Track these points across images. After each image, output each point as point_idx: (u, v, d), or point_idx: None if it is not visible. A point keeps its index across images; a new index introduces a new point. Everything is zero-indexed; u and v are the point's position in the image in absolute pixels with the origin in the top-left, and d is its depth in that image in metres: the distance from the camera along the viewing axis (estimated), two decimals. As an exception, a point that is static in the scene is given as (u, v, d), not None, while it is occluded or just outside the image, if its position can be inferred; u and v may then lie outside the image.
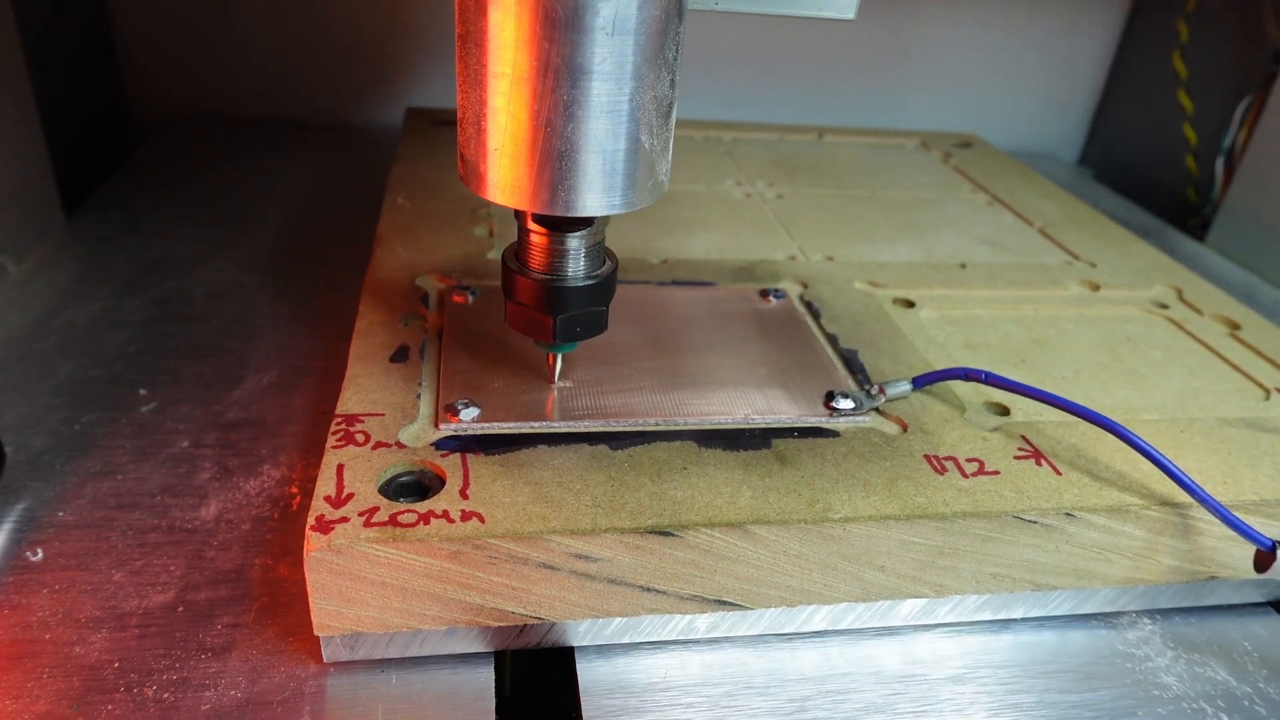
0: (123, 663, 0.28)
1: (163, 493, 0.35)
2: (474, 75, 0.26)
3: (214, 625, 0.29)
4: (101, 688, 0.27)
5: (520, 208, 0.27)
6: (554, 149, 0.26)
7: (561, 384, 0.34)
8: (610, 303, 0.32)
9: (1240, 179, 0.67)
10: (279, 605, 0.30)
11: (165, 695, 0.27)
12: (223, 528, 0.33)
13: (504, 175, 0.27)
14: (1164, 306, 0.46)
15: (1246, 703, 0.31)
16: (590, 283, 0.30)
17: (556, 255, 0.30)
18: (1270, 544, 0.30)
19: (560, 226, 0.30)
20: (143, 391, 0.40)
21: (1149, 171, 0.79)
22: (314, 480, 0.33)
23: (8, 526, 0.33)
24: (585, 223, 0.30)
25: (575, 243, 0.30)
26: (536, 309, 0.31)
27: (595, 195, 0.27)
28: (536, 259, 0.30)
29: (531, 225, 0.30)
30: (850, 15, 0.32)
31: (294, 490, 0.35)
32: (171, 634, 0.29)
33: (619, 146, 0.26)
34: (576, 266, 0.30)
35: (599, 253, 0.31)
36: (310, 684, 0.28)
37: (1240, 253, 0.66)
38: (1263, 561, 0.31)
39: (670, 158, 0.29)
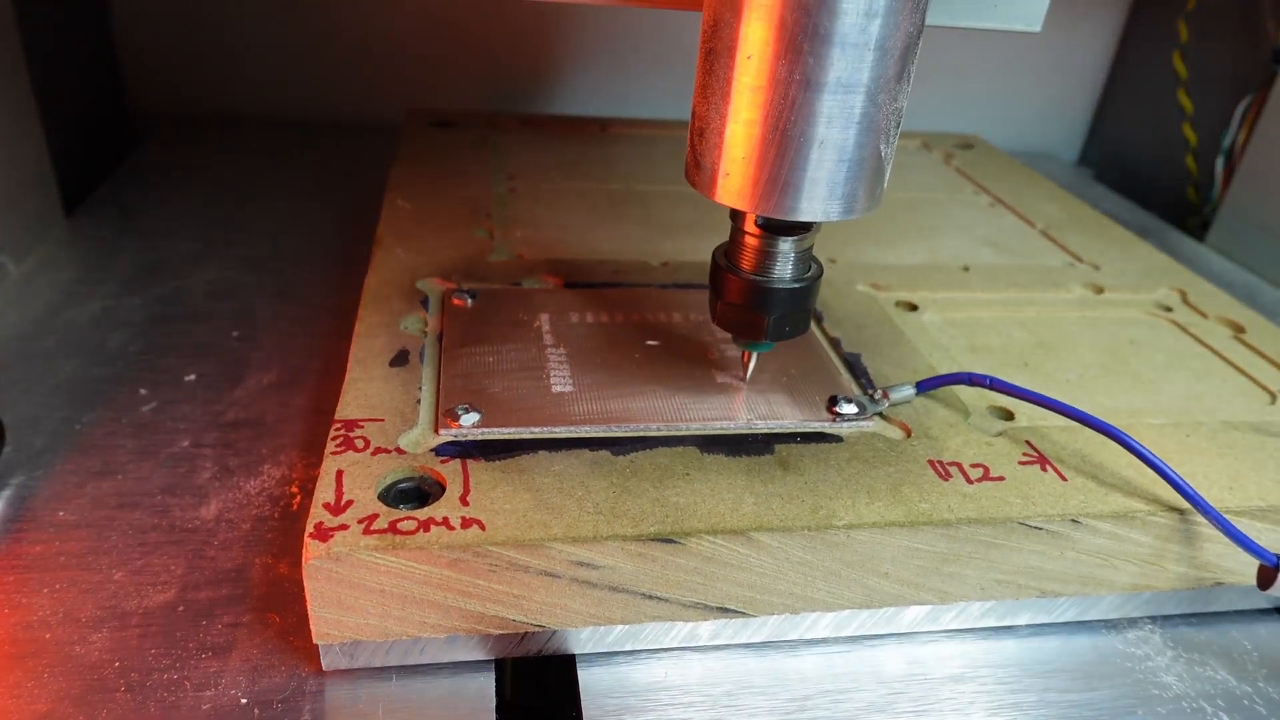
0: (123, 662, 0.28)
1: (163, 492, 0.35)
2: (721, 87, 0.27)
3: (215, 625, 0.29)
4: (102, 687, 0.27)
5: (758, 212, 0.28)
6: (800, 158, 0.27)
7: (562, 388, 0.34)
8: (814, 304, 0.33)
9: (1240, 179, 0.67)
10: (280, 605, 0.30)
11: (165, 695, 0.27)
12: (223, 527, 0.33)
13: (744, 181, 0.27)
14: (1168, 309, 0.45)
15: (1246, 702, 0.30)
16: (801, 284, 0.31)
17: (773, 257, 0.31)
18: (1274, 559, 0.30)
19: (783, 230, 0.30)
20: (143, 391, 0.40)
21: (1149, 171, 0.78)
22: (314, 480, 0.33)
23: (6, 525, 0.33)
24: (806, 227, 0.31)
25: (790, 245, 0.31)
26: (749, 308, 0.32)
27: (828, 202, 0.28)
28: (751, 260, 0.31)
29: (750, 228, 0.31)
30: (1037, 28, 0.32)
31: (294, 490, 0.35)
32: (172, 633, 0.29)
33: (860, 155, 0.27)
34: (789, 269, 0.31)
35: (809, 256, 0.32)
36: (310, 683, 0.28)
37: (1240, 253, 0.66)
38: (1266, 577, 0.30)
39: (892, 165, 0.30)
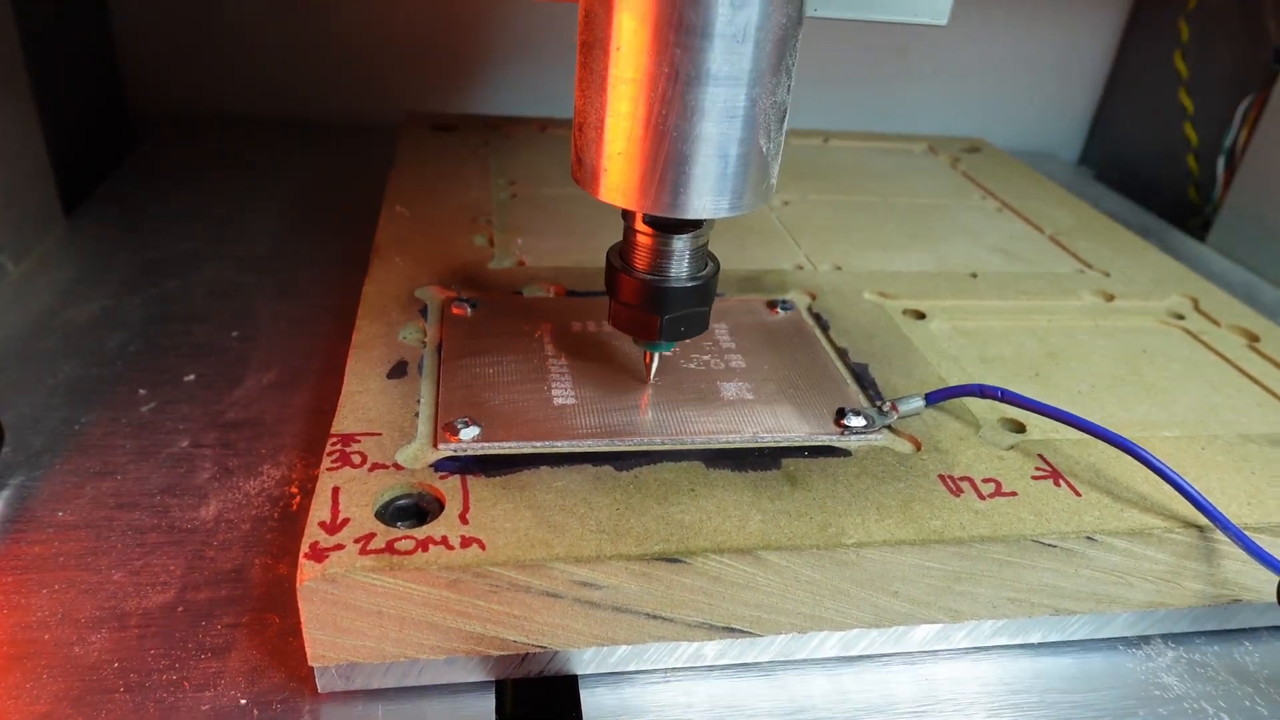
0: (122, 663, 0.28)
1: (162, 492, 0.34)
2: (597, 81, 0.26)
3: (214, 625, 0.29)
4: (101, 688, 0.27)
5: (639, 210, 0.28)
6: (677, 153, 0.26)
7: (565, 400, 0.33)
8: (712, 304, 0.33)
9: (1241, 179, 0.67)
10: (279, 605, 0.30)
11: (165, 696, 0.27)
12: (223, 528, 0.33)
13: (624, 178, 0.27)
14: (1180, 317, 0.45)
15: (1247, 703, 0.30)
16: (695, 283, 0.31)
17: (664, 256, 0.31)
18: (1295, 574, 0.29)
19: (672, 228, 0.30)
20: (142, 391, 0.40)
21: (1150, 171, 0.78)
22: (313, 480, 0.33)
23: (6, 525, 0.32)
24: (695, 224, 0.30)
25: (683, 244, 0.30)
26: (642, 309, 0.31)
27: (712, 198, 0.27)
28: (643, 259, 0.31)
29: (640, 226, 0.30)
30: (943, 21, 0.32)
31: (294, 490, 0.35)
32: (171, 634, 0.29)
33: (739, 151, 0.27)
34: (682, 267, 0.31)
35: (704, 254, 0.32)
36: (310, 683, 0.28)
37: (1241, 253, 0.66)
38: (1288, 592, 0.30)
39: (780, 162, 0.29)
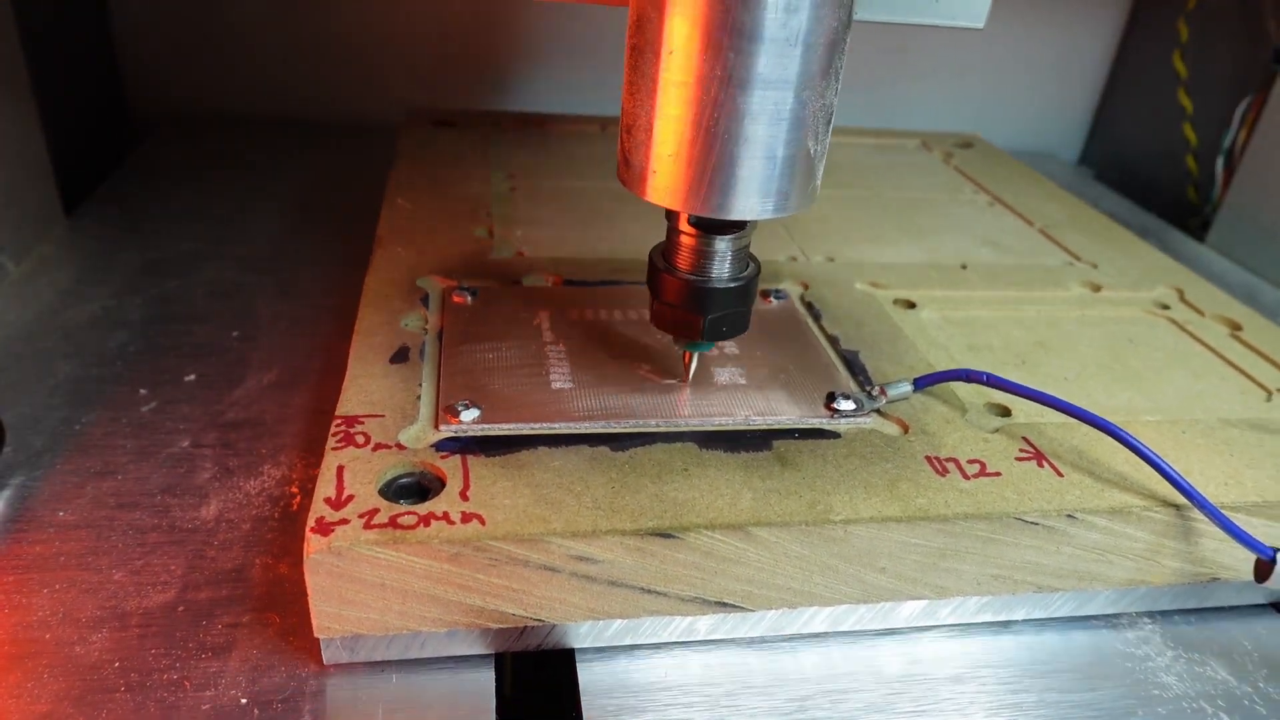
0: (123, 662, 0.28)
1: (163, 492, 0.35)
2: (647, 84, 0.27)
3: (214, 625, 0.29)
4: (102, 687, 0.27)
5: (687, 210, 0.28)
6: (727, 155, 0.27)
7: (562, 385, 0.34)
8: (753, 303, 0.33)
9: (1240, 179, 0.67)
10: (280, 605, 0.30)
11: (165, 695, 0.27)
12: (223, 527, 0.33)
13: (673, 180, 0.27)
14: (1165, 307, 0.46)
15: (1246, 702, 0.31)
16: (738, 284, 0.31)
17: (707, 256, 0.31)
18: (1271, 553, 0.30)
19: (716, 229, 0.30)
20: (142, 391, 0.40)
21: (1149, 171, 0.78)
22: (314, 480, 0.33)
23: (6, 525, 0.33)
24: (740, 225, 0.30)
25: (727, 244, 0.31)
26: (686, 309, 0.31)
27: (759, 199, 0.28)
28: (686, 259, 0.31)
29: (685, 227, 0.31)
30: (980, 24, 0.32)
31: (294, 490, 0.35)
32: (172, 634, 0.29)
33: (787, 152, 0.27)
34: (724, 268, 0.31)
35: (745, 255, 0.32)
36: (311, 684, 0.28)
37: (1241, 253, 0.66)
38: (1263, 571, 0.31)
39: (824, 163, 0.29)
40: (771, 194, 0.28)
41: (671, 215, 0.31)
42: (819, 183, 0.29)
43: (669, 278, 0.31)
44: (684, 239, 0.31)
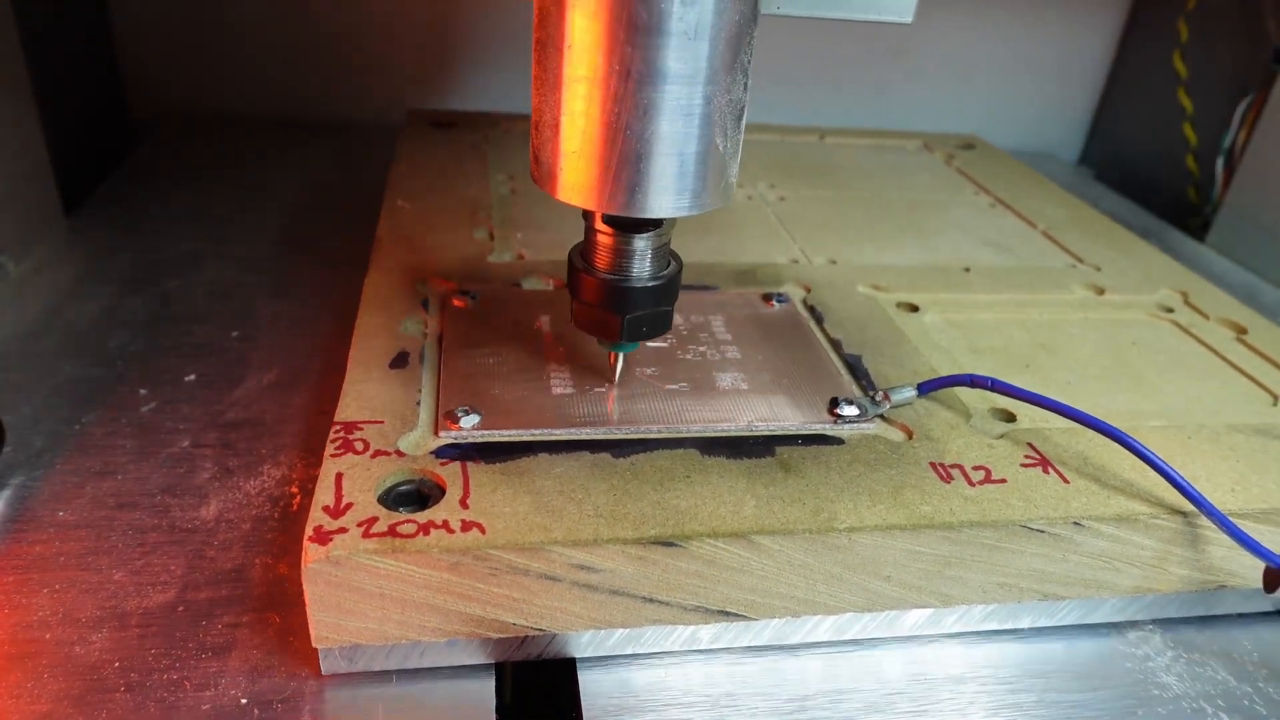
0: (123, 662, 0.28)
1: (163, 492, 0.35)
2: (552, 79, 0.26)
3: (214, 625, 0.29)
4: (102, 687, 0.27)
5: (596, 209, 0.28)
6: (632, 151, 0.26)
7: (563, 390, 0.33)
8: (675, 304, 0.33)
9: (1240, 179, 0.67)
10: (280, 605, 0.30)
11: (165, 695, 0.27)
12: (223, 527, 0.33)
13: (580, 177, 0.27)
14: (1169, 310, 0.45)
15: (1246, 702, 0.30)
16: (657, 283, 0.31)
17: (625, 256, 0.30)
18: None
19: (631, 227, 0.30)
20: (143, 391, 0.40)
21: (1149, 171, 0.78)
22: (314, 480, 0.33)
23: (6, 525, 0.32)
24: (655, 224, 0.30)
25: (644, 243, 0.30)
26: (603, 309, 0.31)
27: (669, 197, 0.27)
28: (604, 259, 0.31)
29: (600, 226, 0.30)
30: (908, 19, 0.32)
31: (294, 490, 0.35)
32: (172, 634, 0.29)
33: (695, 149, 0.27)
34: (643, 267, 0.31)
35: (665, 254, 0.32)
36: (310, 684, 0.28)
37: (1241, 253, 0.66)
38: (1272, 579, 0.30)
39: (739, 160, 0.29)
40: (683, 191, 0.27)
41: (587, 214, 0.31)
42: (734, 179, 0.29)
43: (587, 277, 0.31)
44: (600, 238, 0.30)
